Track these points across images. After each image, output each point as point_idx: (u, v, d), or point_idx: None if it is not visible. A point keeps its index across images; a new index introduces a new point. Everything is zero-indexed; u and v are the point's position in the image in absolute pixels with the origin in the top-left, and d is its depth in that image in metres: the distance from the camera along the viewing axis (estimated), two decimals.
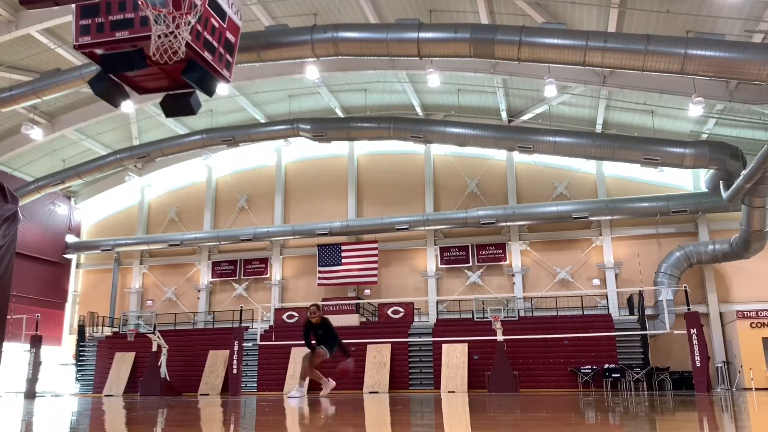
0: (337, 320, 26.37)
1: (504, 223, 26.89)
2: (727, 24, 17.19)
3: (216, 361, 26.10)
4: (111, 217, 34.43)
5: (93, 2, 7.45)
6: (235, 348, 21.50)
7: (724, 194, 21.58)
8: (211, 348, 26.49)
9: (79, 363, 29.23)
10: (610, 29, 18.22)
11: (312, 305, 12.05)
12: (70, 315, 33.09)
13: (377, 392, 22.90)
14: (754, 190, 19.76)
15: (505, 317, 22.21)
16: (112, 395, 25.28)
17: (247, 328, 25.62)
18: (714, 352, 24.13)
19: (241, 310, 26.12)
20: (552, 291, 26.75)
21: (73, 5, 7.64)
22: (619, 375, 22.35)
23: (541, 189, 27.88)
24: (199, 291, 31.45)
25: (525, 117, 26.57)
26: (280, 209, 30.88)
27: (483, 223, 26.60)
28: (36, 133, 25.79)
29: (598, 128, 25.36)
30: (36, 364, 23.28)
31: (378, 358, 24.63)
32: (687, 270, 25.03)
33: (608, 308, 25.75)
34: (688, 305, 20.31)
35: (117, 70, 7.78)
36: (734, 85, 19.12)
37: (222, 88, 21.25)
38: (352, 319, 26.48)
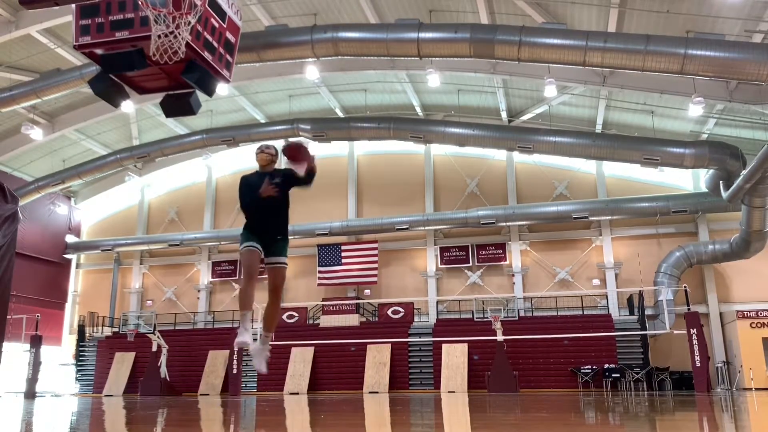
0: (337, 320, 26.58)
1: (504, 223, 26.88)
2: (727, 24, 17.18)
3: (216, 361, 26.11)
4: (111, 217, 34.43)
5: (93, 2, 7.45)
6: (235, 348, 21.51)
7: (724, 194, 21.58)
8: (211, 348, 26.50)
9: (79, 363, 29.23)
10: (610, 29, 18.21)
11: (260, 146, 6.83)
12: (70, 315, 33.09)
13: (377, 392, 22.91)
14: (754, 190, 19.76)
15: (505, 317, 22.23)
16: (112, 395, 25.29)
17: None
18: (714, 352, 24.13)
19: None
20: (552, 291, 26.75)
21: (73, 5, 7.64)
22: (619, 375, 22.35)
23: (541, 189, 27.88)
24: (199, 291, 31.45)
25: (525, 117, 26.57)
26: None
27: (483, 223, 26.59)
28: (36, 133, 25.78)
29: (598, 128, 25.36)
30: (36, 364, 23.29)
31: (378, 358, 24.63)
32: (687, 270, 25.02)
33: (608, 308, 25.75)
34: (688, 305, 20.30)
35: (117, 70, 7.77)
36: (734, 85, 19.11)
37: (222, 88, 21.25)
38: (352, 319, 26.51)
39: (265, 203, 6.55)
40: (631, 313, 24.99)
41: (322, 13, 20.74)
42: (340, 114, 28.11)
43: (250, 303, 6.86)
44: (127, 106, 24.03)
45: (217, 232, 30.79)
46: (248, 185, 6.62)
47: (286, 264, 7.05)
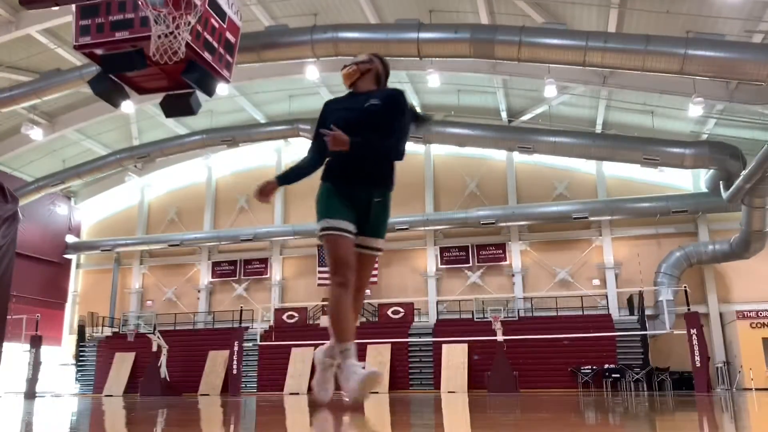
0: None
1: (504, 224, 26.88)
2: (727, 24, 17.18)
3: (216, 362, 26.09)
4: (111, 217, 34.43)
5: (93, 2, 7.46)
6: (235, 348, 21.51)
7: (724, 194, 21.57)
8: (211, 348, 26.48)
9: (79, 363, 29.22)
10: (610, 29, 18.22)
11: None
12: (70, 315, 33.08)
13: (377, 392, 22.90)
14: (754, 190, 19.76)
15: (505, 317, 22.22)
16: (112, 395, 25.27)
17: (247, 328, 25.60)
18: (714, 352, 24.11)
19: (241, 311, 26.09)
20: (552, 291, 26.74)
21: (73, 6, 7.65)
22: (619, 375, 22.34)
23: (541, 189, 27.87)
24: (199, 291, 31.43)
25: (525, 117, 26.54)
26: (280, 209, 30.85)
27: (483, 223, 26.58)
28: (36, 134, 25.77)
29: (598, 128, 25.35)
30: (36, 365, 23.26)
31: (378, 358, 24.60)
32: (687, 270, 25.02)
33: (608, 308, 25.75)
34: (688, 305, 20.29)
35: (117, 71, 7.79)
36: (734, 85, 19.11)
37: (222, 89, 21.20)
38: None
39: (371, 128, 4.14)
40: (631, 313, 24.99)
41: (322, 13, 20.74)
42: None
43: (353, 326, 4.18)
44: (127, 106, 23.99)
45: (217, 233, 30.79)
46: (341, 106, 4.41)
47: (381, 250, 4.47)
